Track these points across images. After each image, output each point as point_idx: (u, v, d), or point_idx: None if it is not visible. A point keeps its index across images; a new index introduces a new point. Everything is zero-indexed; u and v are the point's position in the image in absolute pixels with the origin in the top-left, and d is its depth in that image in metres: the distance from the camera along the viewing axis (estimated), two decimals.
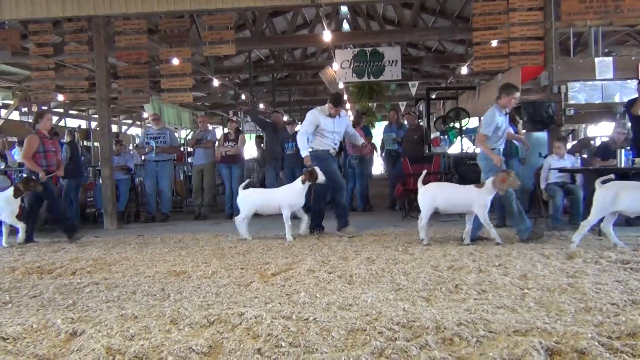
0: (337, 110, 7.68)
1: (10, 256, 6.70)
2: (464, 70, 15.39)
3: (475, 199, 6.38)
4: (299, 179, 7.44)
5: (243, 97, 19.23)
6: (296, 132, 10.17)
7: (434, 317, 3.43)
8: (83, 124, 21.23)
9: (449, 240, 6.88)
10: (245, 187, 7.65)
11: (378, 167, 26.60)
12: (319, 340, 3.12)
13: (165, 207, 10.65)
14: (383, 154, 12.53)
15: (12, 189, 7.55)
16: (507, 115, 6.96)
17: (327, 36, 11.56)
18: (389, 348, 2.95)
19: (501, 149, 6.90)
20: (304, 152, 7.54)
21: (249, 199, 7.48)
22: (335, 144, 7.87)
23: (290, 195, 7.36)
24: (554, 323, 3.32)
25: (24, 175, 8.06)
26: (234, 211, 10.22)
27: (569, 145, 10.38)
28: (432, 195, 6.59)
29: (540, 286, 4.28)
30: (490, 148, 6.69)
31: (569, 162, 7.88)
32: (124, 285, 4.82)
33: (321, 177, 7.32)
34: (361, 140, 8.55)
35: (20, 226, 7.52)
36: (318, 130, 7.68)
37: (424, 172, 7.08)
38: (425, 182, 6.82)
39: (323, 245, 6.73)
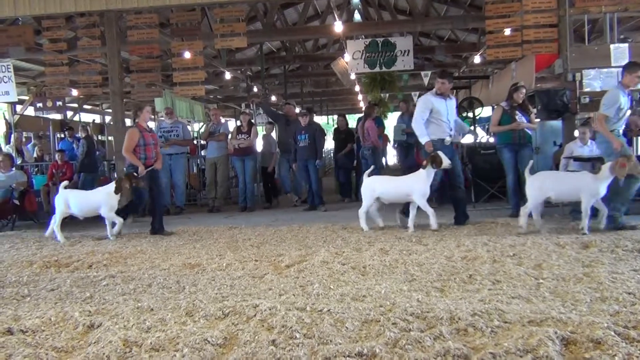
0: (445, 84, 7.31)
1: (28, 250, 6.79)
2: (477, 59, 15.26)
3: (588, 186, 6.13)
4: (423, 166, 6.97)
5: (255, 89, 19.23)
6: (309, 124, 10.19)
7: (448, 308, 3.42)
8: (97, 118, 21.37)
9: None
10: (370, 175, 7.38)
11: (392, 158, 26.55)
12: (333, 332, 3.13)
13: (179, 200, 10.71)
14: (395, 145, 12.48)
15: (113, 184, 7.48)
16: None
17: (338, 27, 11.52)
18: (403, 339, 2.95)
19: (620, 131, 6.57)
20: (425, 138, 7.17)
21: (372, 187, 7.23)
22: (450, 129, 7.42)
23: (420, 183, 6.96)
24: (570, 313, 3.31)
25: (126, 170, 8.04)
26: (247, 203, 10.28)
27: None
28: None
29: (555, 276, 4.26)
30: (610, 130, 6.38)
31: (592, 148, 7.78)
32: (139, 278, 4.86)
33: (446, 162, 6.91)
34: (467, 128, 8.28)
35: (118, 221, 7.43)
36: (432, 116, 7.27)
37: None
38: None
39: (337, 236, 6.74)
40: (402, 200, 7.26)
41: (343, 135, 11.66)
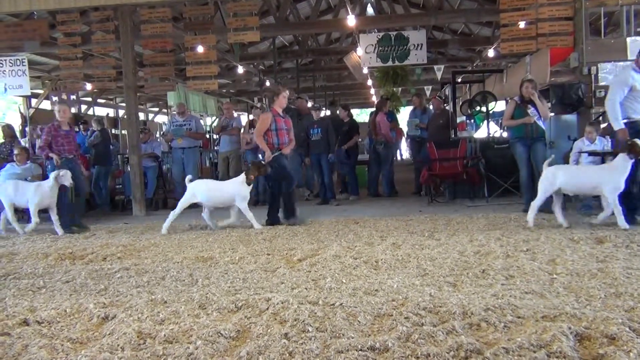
0: None
1: (44, 242, 6.86)
2: (491, 53, 15.16)
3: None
4: (620, 156, 6.05)
5: (267, 83, 19.25)
6: (321, 118, 10.18)
7: (461, 303, 3.41)
8: (111, 112, 21.51)
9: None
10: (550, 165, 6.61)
11: (405, 151, 26.47)
12: (345, 325, 3.13)
13: None
14: (408, 140, 12.45)
15: (243, 175, 7.38)
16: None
17: (351, 21, 11.48)
18: (416, 333, 2.95)
19: None
20: (619, 124, 6.21)
21: (553, 177, 6.37)
22: None
23: (615, 175, 6.08)
24: (584, 308, 3.28)
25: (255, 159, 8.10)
26: (259, 198, 10.30)
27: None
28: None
29: (569, 271, 4.22)
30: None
31: (600, 146, 7.70)
32: (153, 270, 4.90)
33: None
34: None
35: (250, 216, 7.33)
36: (631, 94, 6.27)
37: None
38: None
39: (349, 231, 6.74)
40: (587, 192, 6.61)
41: (346, 127, 10.88)
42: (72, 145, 8.04)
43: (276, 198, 7.73)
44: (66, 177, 7.46)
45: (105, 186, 10.57)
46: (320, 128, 10.00)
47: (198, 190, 7.41)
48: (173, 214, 7.44)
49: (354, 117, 12.10)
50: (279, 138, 7.65)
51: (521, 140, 7.78)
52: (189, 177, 7.65)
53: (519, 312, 3.22)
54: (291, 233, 6.73)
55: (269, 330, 3.11)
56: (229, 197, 7.38)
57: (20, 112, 15.34)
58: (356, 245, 5.69)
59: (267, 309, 3.49)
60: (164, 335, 3.08)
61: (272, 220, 7.62)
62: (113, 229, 7.90)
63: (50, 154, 7.76)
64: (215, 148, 13.09)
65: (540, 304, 3.39)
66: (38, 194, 7.49)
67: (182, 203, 7.48)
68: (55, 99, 13.86)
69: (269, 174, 7.56)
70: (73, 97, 13.77)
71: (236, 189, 7.34)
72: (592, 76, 8.76)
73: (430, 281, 4.13)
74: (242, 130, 10.79)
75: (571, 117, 8.95)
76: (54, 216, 7.59)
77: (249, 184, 7.30)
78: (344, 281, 4.22)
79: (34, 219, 7.56)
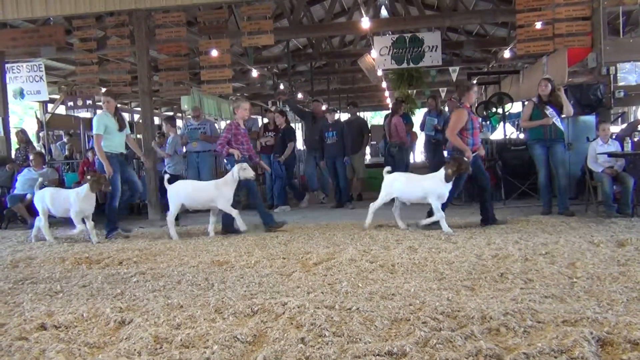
0: None
1: (60, 247, 6.92)
2: (507, 54, 15.04)
3: None
4: None
5: (282, 86, 19.28)
6: (336, 121, 10.17)
7: (479, 307, 3.38)
8: (126, 117, 21.67)
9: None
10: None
11: (419, 155, 26.36)
12: (362, 330, 3.12)
13: None
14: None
15: (442, 170, 6.76)
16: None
17: (365, 23, 11.47)
18: (434, 338, 2.93)
19: None
20: None
21: None
22: None
23: None
24: (605, 313, 3.24)
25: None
26: (275, 201, 10.31)
27: (617, 129, 10.07)
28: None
29: (590, 275, 4.18)
30: None
31: (614, 147, 7.61)
32: (169, 275, 4.92)
33: None
34: None
35: (440, 218, 6.84)
36: None
37: None
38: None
39: (364, 234, 6.72)
40: None
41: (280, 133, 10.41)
42: (249, 145, 7.94)
43: (487, 199, 7.14)
44: (248, 171, 7.31)
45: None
46: (335, 131, 10.00)
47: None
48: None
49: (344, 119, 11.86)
50: (474, 138, 7.01)
51: (539, 142, 7.71)
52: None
53: (539, 317, 3.19)
54: (307, 237, 6.72)
55: (285, 335, 3.10)
56: (423, 194, 6.88)
57: (37, 118, 15.52)
58: (372, 248, 5.68)
59: (284, 313, 3.49)
60: (181, 339, 3.09)
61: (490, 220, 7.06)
62: (130, 234, 7.94)
63: (231, 150, 7.60)
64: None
65: (561, 308, 3.36)
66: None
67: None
68: (70, 104, 13.96)
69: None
70: (89, 101, 13.87)
71: (433, 186, 6.77)
72: (611, 76, 8.67)
73: (447, 285, 4.11)
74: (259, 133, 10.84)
75: (590, 119, 8.86)
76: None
77: (448, 181, 6.69)
78: (360, 285, 4.20)
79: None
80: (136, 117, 20.76)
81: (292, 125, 11.45)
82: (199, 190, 7.47)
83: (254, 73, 16.70)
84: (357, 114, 12.28)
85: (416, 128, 13.34)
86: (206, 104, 16.18)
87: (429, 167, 11.81)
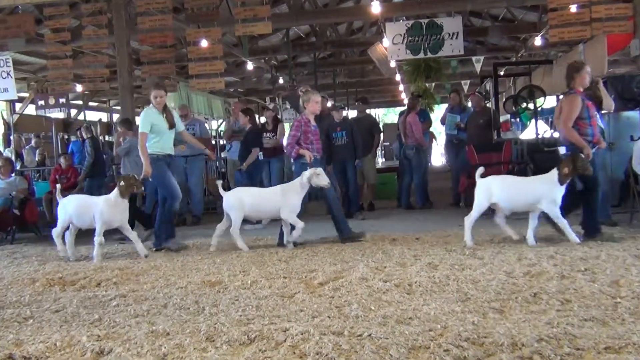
0: None
1: (30, 266, 6.94)
2: (538, 41, 15.06)
3: None
4: None
5: (281, 81, 19.35)
6: (344, 119, 10.16)
7: (509, 332, 3.38)
8: (104, 117, 21.75)
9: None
10: None
11: (438, 157, 26.39)
12: None
13: (197, 209, 10.79)
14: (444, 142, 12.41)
15: (554, 172, 6.48)
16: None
17: (375, 8, 11.49)
18: None
19: None
20: None
21: None
22: None
23: None
24: None
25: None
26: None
27: None
28: None
29: (636, 294, 4.16)
30: None
31: None
32: (153, 297, 4.92)
33: None
34: None
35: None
36: None
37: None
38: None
39: (377, 249, 6.72)
40: None
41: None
42: (319, 145, 7.87)
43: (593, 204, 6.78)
44: (322, 178, 7.22)
45: None
46: (344, 131, 9.99)
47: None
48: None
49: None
50: (593, 128, 6.69)
51: None
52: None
53: (578, 343, 3.18)
54: (311, 253, 6.72)
55: None
56: (533, 199, 6.61)
57: (4, 119, 15.59)
58: (386, 265, 5.67)
59: (285, 340, 3.49)
60: None
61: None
62: (108, 251, 7.95)
63: (302, 151, 7.50)
64: (223, 155, 13.15)
65: (603, 332, 3.35)
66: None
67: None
68: (41, 102, 14.03)
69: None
70: (62, 100, 13.95)
71: (545, 190, 6.49)
72: None
73: (472, 307, 4.10)
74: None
75: (634, 114, 8.84)
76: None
77: (563, 183, 6.41)
78: (373, 308, 4.20)
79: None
80: (115, 116, 20.85)
81: (288, 125, 11.34)
82: (264, 198, 7.47)
83: (250, 66, 16.76)
84: (367, 111, 12.29)
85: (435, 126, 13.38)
86: (195, 101, 16.24)
87: (451, 170, 11.82)
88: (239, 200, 7.35)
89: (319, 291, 4.85)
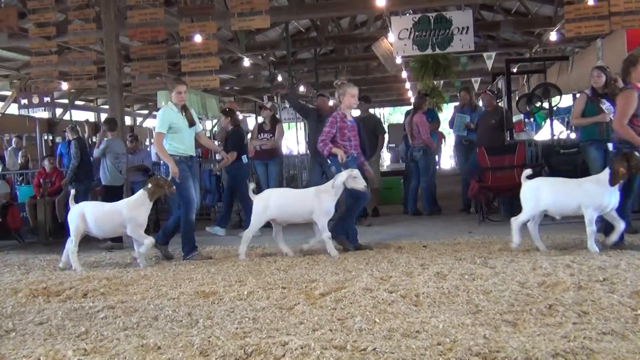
0: None
1: (12, 275, 6.93)
2: (553, 36, 15.07)
3: None
4: None
5: (280, 78, 19.37)
6: (354, 119, 10.14)
7: (523, 347, 3.38)
8: (91, 116, 21.80)
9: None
10: None
11: (447, 159, 26.42)
12: None
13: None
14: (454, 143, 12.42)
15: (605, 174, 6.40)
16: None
17: (380, 0, 11.51)
18: None
19: None
20: None
21: None
22: None
23: None
24: None
25: None
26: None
27: None
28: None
29: None
30: None
31: None
32: (143, 309, 4.92)
33: None
34: None
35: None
36: None
37: None
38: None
39: (382, 257, 6.72)
40: None
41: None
42: (357, 142, 7.75)
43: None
44: (359, 180, 7.13)
45: None
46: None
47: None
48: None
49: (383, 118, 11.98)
50: None
51: (595, 143, 7.71)
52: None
53: (596, 358, 3.19)
54: (311, 261, 6.73)
55: None
56: (585, 200, 6.49)
57: None
58: (391, 275, 5.67)
59: (284, 355, 3.49)
60: None
61: None
62: (96, 259, 7.96)
63: (334, 149, 7.36)
64: (218, 158, 13.15)
65: (622, 347, 3.35)
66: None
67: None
68: (24, 101, 14.06)
69: None
70: (47, 99, 13.97)
71: (593, 192, 6.42)
72: None
73: (484, 320, 4.09)
74: (249, 135, 10.85)
75: None
76: (147, 239, 7.11)
77: (615, 184, 6.29)
78: (377, 320, 4.19)
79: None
80: (103, 116, 20.89)
81: (287, 125, 11.32)
82: (295, 200, 7.42)
83: (246, 62, 16.80)
84: (370, 110, 12.29)
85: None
86: (188, 100, 16.16)
87: (461, 174, 11.83)
88: (265, 204, 7.28)
89: (320, 302, 4.85)
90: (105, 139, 9.80)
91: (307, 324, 4.21)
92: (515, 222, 6.75)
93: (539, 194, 6.63)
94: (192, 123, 7.60)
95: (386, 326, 4.02)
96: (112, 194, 9.26)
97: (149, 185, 7.10)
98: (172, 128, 7.43)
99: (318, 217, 7.15)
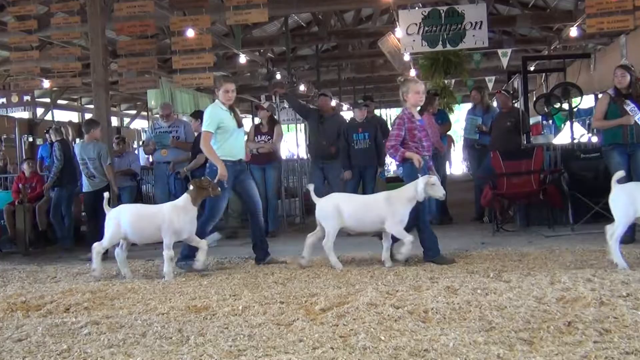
0: None
1: None
2: (574, 32, 15.07)
3: None
4: None
5: (278, 76, 19.39)
6: (368, 120, 10.17)
7: None
8: (74, 117, 21.82)
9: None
10: None
11: (459, 164, 26.43)
12: None
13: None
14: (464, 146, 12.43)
15: None
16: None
17: None
18: None
19: None
20: None
21: None
22: None
23: None
24: None
25: None
26: (269, 226, 10.30)
27: None
28: None
29: None
30: None
31: None
32: (130, 325, 4.92)
33: None
34: None
35: None
36: None
37: None
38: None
39: (388, 270, 6.72)
40: None
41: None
42: (429, 143, 7.57)
43: None
44: (438, 188, 7.01)
45: (68, 214, 10.62)
46: (367, 132, 10.00)
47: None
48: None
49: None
50: None
51: (618, 147, 7.73)
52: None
53: None
54: (312, 274, 6.73)
55: None
56: None
57: None
58: (398, 289, 5.67)
59: None
60: None
61: None
62: (79, 271, 7.97)
63: (408, 154, 7.14)
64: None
65: None
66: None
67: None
68: (3, 100, 14.08)
69: None
70: (27, 98, 13.98)
71: None
72: None
73: (497, 338, 4.09)
74: (245, 137, 10.84)
75: None
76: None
77: None
78: (383, 338, 4.19)
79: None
80: (88, 115, 20.91)
81: (286, 127, 11.34)
82: (366, 207, 7.31)
83: (242, 59, 16.80)
84: (374, 111, 12.30)
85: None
86: (180, 99, 16.29)
87: (474, 180, 11.82)
88: (335, 209, 7.18)
89: (320, 318, 4.85)
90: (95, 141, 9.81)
91: (306, 342, 4.20)
92: (612, 239, 6.30)
93: (636, 199, 6.33)
94: (240, 123, 7.63)
95: (392, 344, 4.02)
96: (90, 200, 9.38)
97: (192, 188, 7.11)
98: (220, 128, 7.42)
99: (389, 224, 7.04)
